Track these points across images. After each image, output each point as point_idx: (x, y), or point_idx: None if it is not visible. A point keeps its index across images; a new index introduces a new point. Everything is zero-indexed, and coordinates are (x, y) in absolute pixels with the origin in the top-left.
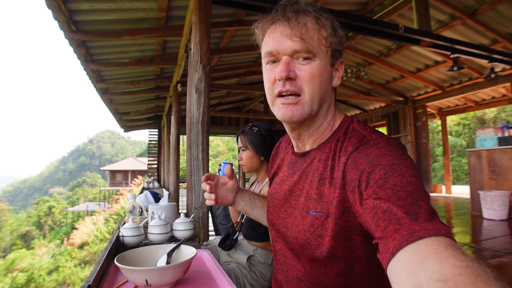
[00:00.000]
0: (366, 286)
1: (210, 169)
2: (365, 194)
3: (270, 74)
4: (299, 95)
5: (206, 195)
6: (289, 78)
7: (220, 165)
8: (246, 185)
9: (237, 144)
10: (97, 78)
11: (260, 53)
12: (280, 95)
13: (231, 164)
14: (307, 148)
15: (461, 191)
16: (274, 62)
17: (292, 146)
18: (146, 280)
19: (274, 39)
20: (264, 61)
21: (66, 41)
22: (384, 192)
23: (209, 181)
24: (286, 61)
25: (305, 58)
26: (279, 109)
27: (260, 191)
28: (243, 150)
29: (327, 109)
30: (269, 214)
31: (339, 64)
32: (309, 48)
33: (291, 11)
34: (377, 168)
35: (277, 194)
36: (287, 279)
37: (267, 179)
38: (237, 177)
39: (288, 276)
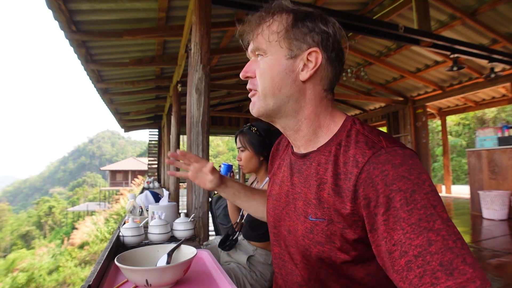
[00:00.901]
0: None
1: None
2: (382, 218)
3: None
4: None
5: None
6: (248, 77)
7: (220, 166)
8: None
9: (236, 144)
10: (97, 78)
11: None
12: None
13: (231, 166)
14: (302, 148)
15: (461, 191)
16: None
17: (292, 146)
18: (146, 280)
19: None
20: None
21: (67, 41)
22: (411, 229)
23: (184, 156)
24: (249, 62)
25: (260, 55)
26: None
27: None
28: (242, 150)
29: (300, 105)
30: (269, 216)
31: (307, 54)
32: (258, 46)
33: (260, 13)
34: (398, 195)
35: (277, 195)
36: (286, 284)
37: (267, 178)
38: (237, 178)
39: (288, 281)
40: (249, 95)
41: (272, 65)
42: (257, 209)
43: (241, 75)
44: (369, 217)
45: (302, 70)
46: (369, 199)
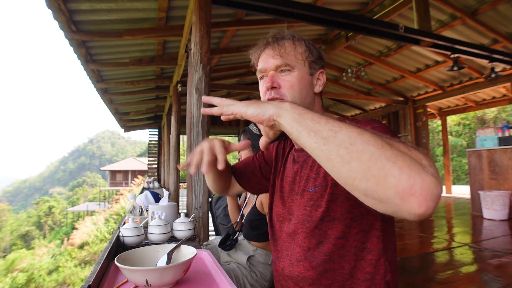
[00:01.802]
0: (360, 247)
1: None
2: None
3: (262, 87)
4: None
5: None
6: (273, 87)
7: None
8: None
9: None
10: (97, 78)
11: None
12: None
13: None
14: None
15: (462, 191)
16: (264, 77)
17: (293, 145)
18: (146, 280)
19: (262, 60)
20: (258, 77)
21: (66, 41)
22: None
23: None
24: (271, 75)
25: (285, 70)
26: None
27: None
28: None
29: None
30: (275, 208)
31: (319, 73)
32: (287, 62)
33: (273, 38)
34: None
35: (283, 188)
36: (290, 263)
37: None
38: None
39: (292, 260)
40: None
41: (300, 79)
42: (222, 179)
43: (267, 86)
44: None
45: (316, 84)
46: None
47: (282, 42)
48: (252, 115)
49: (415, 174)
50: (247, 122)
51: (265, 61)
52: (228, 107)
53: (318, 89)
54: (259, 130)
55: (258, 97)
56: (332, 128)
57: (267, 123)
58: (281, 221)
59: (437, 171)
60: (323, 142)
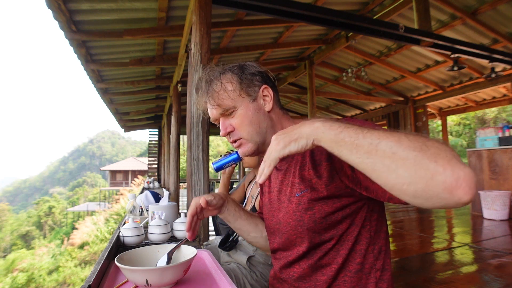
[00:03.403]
0: (351, 240)
1: (210, 169)
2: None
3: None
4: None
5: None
6: (228, 132)
7: (232, 151)
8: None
9: None
10: (98, 78)
11: (260, 53)
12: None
13: (240, 159)
14: None
15: None
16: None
17: None
18: (146, 280)
19: (208, 111)
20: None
21: (67, 41)
22: None
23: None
24: (221, 123)
25: (229, 113)
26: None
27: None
28: None
29: (274, 130)
30: (266, 221)
31: (262, 91)
32: (226, 107)
33: (206, 85)
34: None
35: (271, 200)
36: (285, 266)
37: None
38: (237, 172)
39: (287, 263)
40: (235, 145)
41: (246, 113)
42: (255, 228)
43: (222, 134)
44: (342, 166)
45: (264, 104)
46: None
47: (212, 89)
48: (297, 150)
49: (456, 168)
50: None
51: (210, 113)
52: (269, 160)
53: (268, 107)
54: None
55: None
56: (372, 142)
57: (310, 148)
58: (272, 232)
59: None
60: (366, 156)
